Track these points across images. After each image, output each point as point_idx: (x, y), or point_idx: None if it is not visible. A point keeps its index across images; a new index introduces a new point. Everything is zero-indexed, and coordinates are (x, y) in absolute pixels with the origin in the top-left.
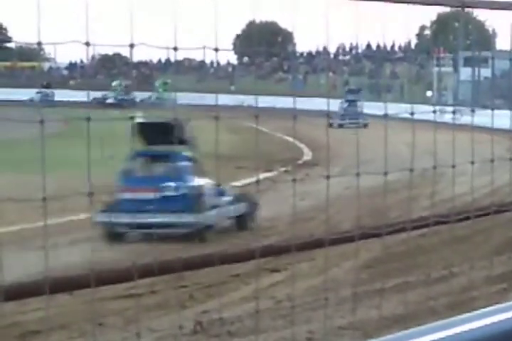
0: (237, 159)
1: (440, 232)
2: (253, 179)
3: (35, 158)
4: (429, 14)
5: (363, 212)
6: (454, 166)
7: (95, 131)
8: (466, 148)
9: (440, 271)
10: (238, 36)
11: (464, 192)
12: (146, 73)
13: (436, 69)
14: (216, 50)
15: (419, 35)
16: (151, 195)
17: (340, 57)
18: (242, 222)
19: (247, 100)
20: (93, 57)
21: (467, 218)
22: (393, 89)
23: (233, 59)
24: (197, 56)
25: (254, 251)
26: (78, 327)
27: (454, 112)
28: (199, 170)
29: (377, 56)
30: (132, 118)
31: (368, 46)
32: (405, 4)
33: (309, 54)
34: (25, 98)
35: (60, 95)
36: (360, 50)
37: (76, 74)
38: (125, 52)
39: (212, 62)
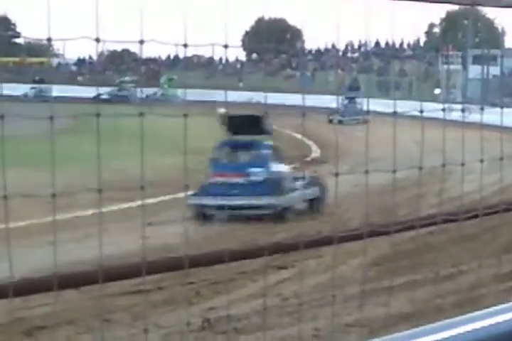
0: None
1: (448, 230)
2: None
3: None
4: (438, 12)
5: (372, 209)
6: (463, 164)
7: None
8: (473, 145)
9: (448, 269)
10: (247, 33)
11: (472, 190)
12: (155, 69)
13: (444, 67)
14: (226, 46)
15: (428, 33)
16: (237, 180)
17: (349, 55)
18: (314, 205)
19: (256, 97)
20: (102, 53)
21: (475, 216)
22: (401, 87)
23: (242, 55)
24: (206, 53)
25: (263, 248)
26: (85, 322)
27: (463, 110)
28: (278, 157)
29: (386, 53)
30: (142, 114)
31: (377, 43)
32: (414, 2)
33: (318, 51)
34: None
35: (70, 91)
36: (369, 48)
37: (85, 70)
38: (134, 48)
39: (220, 59)
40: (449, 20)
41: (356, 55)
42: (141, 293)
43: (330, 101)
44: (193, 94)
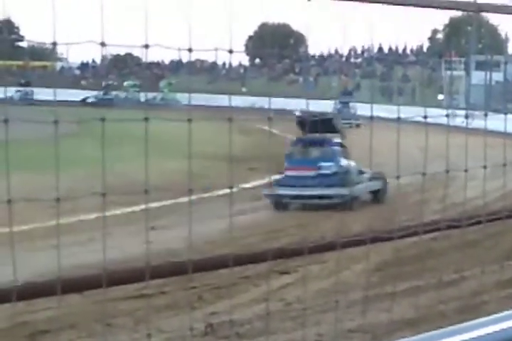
0: (249, 161)
1: (451, 236)
2: (265, 181)
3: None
4: (441, 18)
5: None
6: (466, 170)
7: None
8: (476, 152)
9: (450, 275)
10: (250, 38)
11: (475, 196)
12: (158, 73)
13: (447, 72)
14: (230, 51)
15: (432, 39)
16: (310, 173)
17: (352, 60)
18: (377, 196)
19: (259, 102)
20: (105, 57)
21: (478, 222)
22: (404, 92)
23: (245, 60)
24: (209, 57)
25: (267, 253)
26: (88, 327)
27: (466, 116)
28: (346, 153)
29: (389, 59)
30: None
31: (380, 49)
32: (418, 8)
33: (321, 56)
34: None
35: (73, 95)
36: (372, 53)
37: (88, 74)
38: (137, 52)
39: (224, 64)
40: (453, 26)
41: (359, 60)
42: (143, 297)
43: (332, 106)
44: (195, 99)
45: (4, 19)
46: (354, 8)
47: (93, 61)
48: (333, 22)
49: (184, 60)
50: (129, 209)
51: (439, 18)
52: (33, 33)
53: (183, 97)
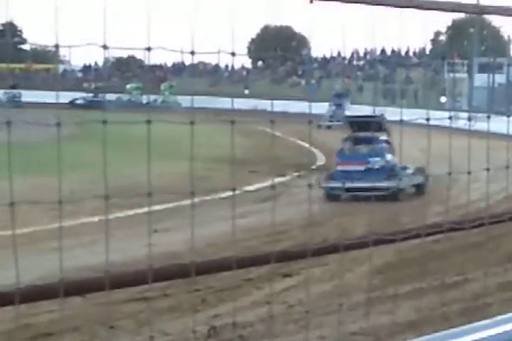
0: (251, 163)
1: (454, 238)
2: (266, 183)
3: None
4: (444, 20)
5: (377, 217)
6: (469, 172)
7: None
8: (480, 154)
9: (452, 277)
10: (253, 40)
11: (477, 198)
12: (160, 76)
13: (450, 75)
14: (233, 54)
15: (434, 41)
16: (359, 167)
17: (355, 62)
18: (419, 189)
19: (261, 104)
20: (107, 60)
21: (481, 225)
22: (407, 95)
23: (248, 63)
24: (212, 60)
25: (270, 256)
26: (90, 329)
27: (469, 119)
28: (391, 150)
29: (392, 61)
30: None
31: (383, 51)
32: (420, 10)
33: (324, 59)
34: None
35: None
36: (374, 56)
37: (90, 76)
38: (139, 55)
39: (226, 66)
40: (455, 29)
41: (362, 62)
42: (146, 300)
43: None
44: (197, 101)
45: (7, 22)
46: (356, 10)
47: (95, 64)
48: (335, 24)
49: (187, 63)
50: (131, 212)
51: (442, 20)
52: (35, 35)
53: (184, 100)
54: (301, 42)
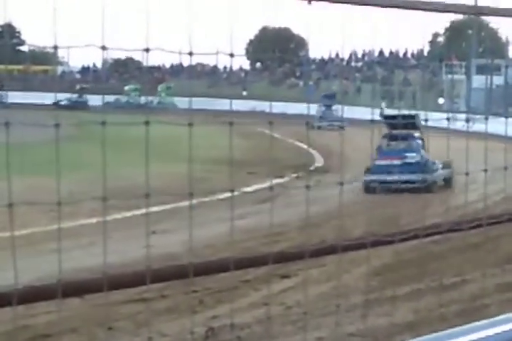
0: (249, 165)
1: (452, 239)
2: (264, 185)
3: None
4: (442, 21)
5: (375, 220)
6: (467, 174)
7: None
8: (478, 155)
9: (450, 279)
10: (251, 41)
11: (476, 199)
12: (158, 77)
13: (448, 76)
14: (231, 55)
15: (432, 42)
16: (397, 162)
17: (353, 64)
18: (446, 182)
19: (259, 106)
20: (106, 61)
21: (479, 226)
22: (405, 96)
23: (246, 64)
24: (210, 61)
25: (267, 257)
26: (89, 330)
27: (467, 120)
28: (424, 146)
29: (390, 63)
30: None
31: (381, 53)
32: (419, 11)
33: (322, 60)
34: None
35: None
36: (373, 57)
37: (89, 78)
38: (138, 56)
39: (225, 67)
40: (453, 30)
41: (360, 64)
42: (144, 301)
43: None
44: (195, 102)
45: (5, 23)
46: (355, 12)
47: (94, 65)
48: (333, 26)
49: (185, 64)
50: (129, 214)
51: (439, 22)
52: (34, 37)
53: (182, 101)
54: (300, 43)
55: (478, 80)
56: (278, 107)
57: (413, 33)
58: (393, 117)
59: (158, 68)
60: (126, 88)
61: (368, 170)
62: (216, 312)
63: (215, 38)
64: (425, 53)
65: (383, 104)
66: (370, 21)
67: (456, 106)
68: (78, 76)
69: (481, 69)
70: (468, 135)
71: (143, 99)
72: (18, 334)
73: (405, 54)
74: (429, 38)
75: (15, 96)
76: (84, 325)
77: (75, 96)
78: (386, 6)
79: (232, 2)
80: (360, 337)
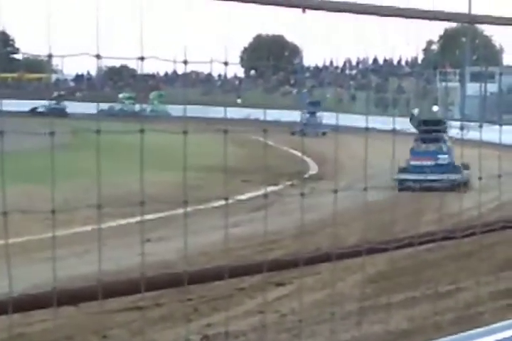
0: (243, 172)
1: (446, 247)
2: (258, 192)
3: None
4: (436, 29)
5: (369, 226)
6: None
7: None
8: (474, 163)
9: (445, 286)
10: (245, 49)
11: (471, 206)
12: (153, 85)
13: (442, 84)
14: (226, 63)
15: (426, 50)
16: (429, 163)
17: (347, 72)
18: (466, 183)
19: (254, 113)
20: (100, 69)
21: (473, 234)
22: (399, 104)
23: (240, 72)
24: (204, 69)
25: (262, 265)
26: (84, 339)
27: (462, 128)
28: (452, 149)
29: (384, 70)
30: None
31: (375, 60)
32: (413, 19)
33: (316, 68)
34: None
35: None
36: (367, 65)
37: (83, 86)
38: (132, 64)
39: (219, 75)
40: (448, 38)
41: (354, 72)
42: (139, 309)
43: (327, 117)
44: (190, 110)
45: None
46: (349, 20)
47: (88, 73)
48: (328, 33)
49: (179, 72)
50: (124, 221)
51: (434, 30)
52: (28, 44)
53: (176, 109)
54: (294, 51)
55: (473, 88)
56: (272, 115)
57: (407, 40)
58: (425, 122)
59: (152, 76)
60: (121, 96)
61: (403, 170)
62: (211, 320)
63: (209, 45)
64: (419, 61)
65: (416, 111)
66: (364, 29)
67: (450, 114)
68: (72, 84)
69: (475, 77)
70: (463, 142)
71: (137, 107)
72: None
73: (399, 62)
74: (423, 46)
75: (7, 105)
76: (79, 333)
77: (52, 103)
78: (381, 15)
79: (227, 10)
80: None
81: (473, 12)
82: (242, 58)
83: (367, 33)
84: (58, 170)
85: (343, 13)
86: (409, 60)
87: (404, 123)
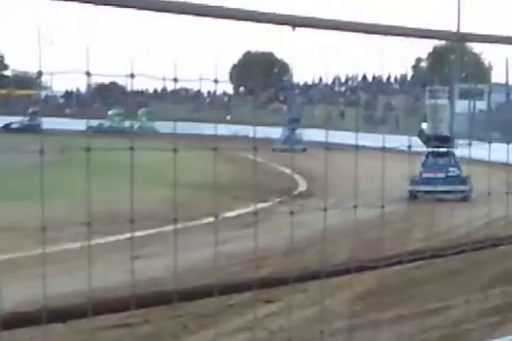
0: (232, 189)
1: (434, 264)
2: (248, 209)
3: None
4: (425, 46)
5: (358, 244)
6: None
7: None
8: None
9: (433, 303)
10: (234, 66)
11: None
12: (142, 102)
13: (431, 101)
14: (216, 81)
15: (415, 67)
16: (440, 175)
17: (336, 89)
18: (470, 193)
19: (243, 130)
20: (89, 86)
21: (463, 251)
22: (388, 121)
23: (229, 89)
24: (193, 86)
25: (251, 283)
26: None
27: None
28: (460, 162)
29: (373, 88)
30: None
31: (364, 78)
32: (402, 37)
33: (305, 85)
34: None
35: (57, 124)
36: (356, 82)
37: (72, 102)
38: (121, 81)
39: (209, 92)
40: (436, 55)
41: (343, 89)
42: (128, 326)
43: (316, 134)
44: (179, 127)
45: None
46: (338, 38)
47: (77, 90)
48: (317, 51)
49: (169, 89)
50: (113, 238)
51: (423, 47)
52: (17, 61)
53: (165, 126)
54: (283, 68)
55: (462, 105)
56: (262, 131)
57: (396, 58)
58: (435, 138)
59: (141, 93)
60: (110, 113)
61: (415, 182)
62: (200, 337)
63: (198, 62)
64: (408, 78)
65: (424, 126)
66: (353, 46)
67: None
68: (62, 100)
69: (464, 94)
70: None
71: (126, 124)
72: None
73: (388, 79)
74: (413, 63)
75: None
76: None
77: (26, 119)
78: (370, 33)
79: (216, 27)
80: None
81: (462, 30)
82: (231, 75)
83: (356, 50)
84: (46, 188)
85: (333, 31)
86: (399, 77)
87: (392, 140)
